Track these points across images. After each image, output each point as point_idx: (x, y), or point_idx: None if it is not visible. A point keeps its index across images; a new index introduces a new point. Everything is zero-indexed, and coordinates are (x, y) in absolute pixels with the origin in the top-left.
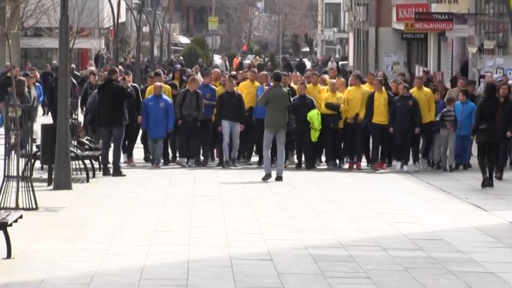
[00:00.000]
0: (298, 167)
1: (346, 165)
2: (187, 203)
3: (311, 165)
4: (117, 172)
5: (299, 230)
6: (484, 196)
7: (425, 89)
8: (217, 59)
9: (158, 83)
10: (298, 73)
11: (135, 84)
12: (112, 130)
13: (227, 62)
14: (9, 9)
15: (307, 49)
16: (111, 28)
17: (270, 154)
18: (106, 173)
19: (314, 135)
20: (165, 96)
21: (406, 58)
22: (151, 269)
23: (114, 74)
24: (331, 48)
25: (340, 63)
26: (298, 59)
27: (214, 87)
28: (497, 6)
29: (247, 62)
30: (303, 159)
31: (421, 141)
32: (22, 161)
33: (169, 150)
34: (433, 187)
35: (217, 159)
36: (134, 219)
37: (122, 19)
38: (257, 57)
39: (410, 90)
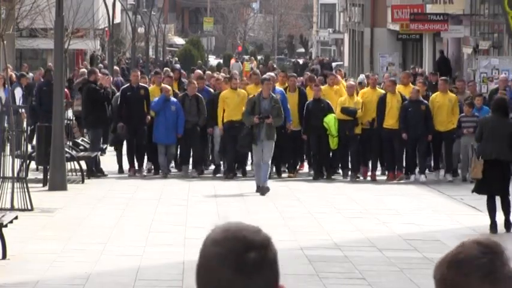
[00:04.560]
0: (317, 178)
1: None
2: (183, 203)
3: (329, 176)
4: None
5: (294, 231)
6: (479, 197)
7: (450, 94)
8: (212, 60)
9: (168, 86)
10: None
11: (144, 85)
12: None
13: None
14: (4, 10)
15: (302, 50)
16: (106, 29)
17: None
18: (89, 174)
19: (333, 142)
20: (174, 99)
21: (401, 59)
22: (146, 270)
23: (92, 75)
24: (326, 49)
25: (334, 64)
26: (293, 60)
27: (211, 90)
28: (492, 7)
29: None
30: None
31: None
32: (17, 162)
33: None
34: (428, 188)
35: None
36: (129, 220)
37: (117, 20)
38: (252, 57)
39: (433, 95)
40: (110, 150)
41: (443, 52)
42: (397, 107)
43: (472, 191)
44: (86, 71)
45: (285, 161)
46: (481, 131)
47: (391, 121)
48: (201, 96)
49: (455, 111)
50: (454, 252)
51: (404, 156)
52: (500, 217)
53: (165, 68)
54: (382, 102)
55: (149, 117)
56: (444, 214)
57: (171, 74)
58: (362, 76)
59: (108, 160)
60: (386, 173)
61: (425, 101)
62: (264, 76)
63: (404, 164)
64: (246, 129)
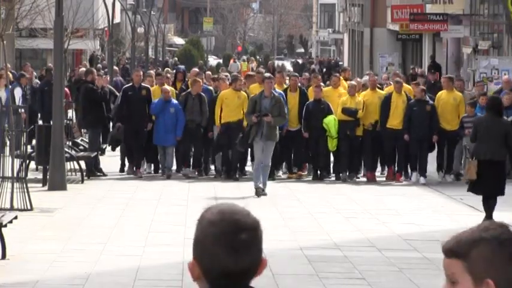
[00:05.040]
0: (315, 178)
1: (363, 178)
2: (183, 204)
3: (324, 177)
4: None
5: (294, 231)
6: (479, 197)
7: (456, 92)
8: (212, 60)
9: (168, 87)
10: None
11: (147, 85)
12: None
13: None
14: (4, 10)
15: (302, 50)
16: (106, 29)
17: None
18: (89, 174)
19: (332, 144)
20: (174, 101)
21: (400, 59)
22: (146, 270)
23: (89, 75)
24: (326, 49)
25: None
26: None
27: (211, 88)
28: (492, 7)
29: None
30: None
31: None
32: (17, 162)
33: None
34: (428, 188)
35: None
36: (129, 220)
37: (117, 20)
38: (252, 58)
39: (439, 93)
40: (110, 150)
41: (434, 58)
42: (403, 108)
43: (468, 190)
44: (84, 70)
45: (288, 163)
46: (475, 131)
47: (395, 121)
48: (204, 95)
49: (461, 111)
50: (490, 233)
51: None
52: (498, 216)
53: (166, 69)
54: (386, 101)
55: (150, 124)
56: (444, 214)
57: (168, 75)
58: (366, 78)
59: (108, 160)
60: (386, 170)
61: (431, 101)
62: (265, 74)
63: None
64: (246, 131)
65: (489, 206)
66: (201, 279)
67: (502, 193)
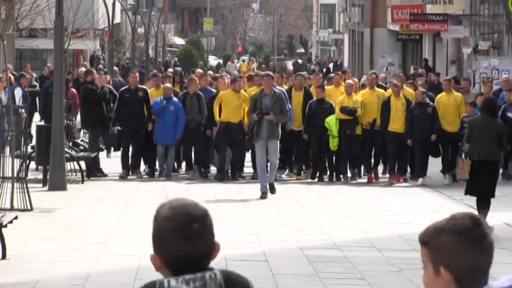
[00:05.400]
0: (313, 177)
1: (364, 179)
2: None
3: (321, 177)
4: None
5: (294, 231)
6: None
7: (456, 93)
8: (212, 60)
9: (168, 85)
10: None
11: (143, 87)
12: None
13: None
14: (4, 10)
15: (302, 50)
16: (106, 29)
17: (265, 169)
18: (89, 174)
19: (333, 143)
20: (174, 99)
21: (401, 59)
22: (146, 270)
23: (89, 76)
24: (326, 49)
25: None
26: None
27: (214, 90)
28: (492, 7)
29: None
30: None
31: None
32: (17, 162)
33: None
34: (428, 188)
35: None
36: (129, 220)
37: (117, 20)
38: (253, 58)
39: (439, 95)
40: (112, 151)
41: (427, 61)
42: (402, 110)
43: (465, 194)
44: (83, 70)
45: (290, 163)
46: (470, 131)
47: (396, 125)
48: (201, 94)
49: (462, 112)
50: (451, 223)
51: (409, 159)
52: (498, 216)
53: (168, 70)
54: (386, 105)
55: (150, 124)
56: (444, 214)
57: (170, 74)
58: (365, 77)
59: (108, 160)
60: (388, 175)
61: (432, 103)
62: (264, 72)
63: (409, 168)
64: (249, 132)
65: (483, 207)
66: (163, 268)
67: (493, 195)
